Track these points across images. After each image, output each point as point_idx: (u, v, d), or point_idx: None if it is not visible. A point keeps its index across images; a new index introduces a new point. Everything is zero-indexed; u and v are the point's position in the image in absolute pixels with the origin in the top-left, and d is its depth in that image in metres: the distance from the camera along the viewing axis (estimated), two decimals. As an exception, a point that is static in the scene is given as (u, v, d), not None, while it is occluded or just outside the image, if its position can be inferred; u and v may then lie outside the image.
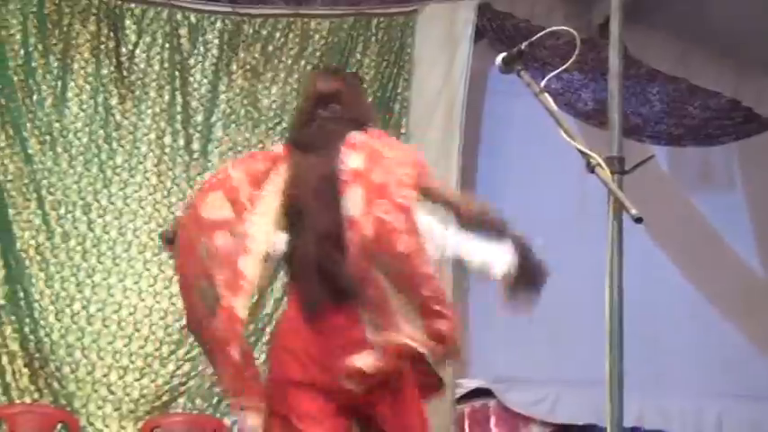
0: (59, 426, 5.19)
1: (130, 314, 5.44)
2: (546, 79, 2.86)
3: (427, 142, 5.89)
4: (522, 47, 2.83)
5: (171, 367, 5.42)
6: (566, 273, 6.04)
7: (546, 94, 2.88)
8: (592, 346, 5.79)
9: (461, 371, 5.85)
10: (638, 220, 2.51)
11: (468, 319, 6.01)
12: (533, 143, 6.29)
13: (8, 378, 5.22)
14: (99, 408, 5.28)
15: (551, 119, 3.03)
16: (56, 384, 5.26)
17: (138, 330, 5.43)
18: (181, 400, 5.40)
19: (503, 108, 6.44)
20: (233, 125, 5.79)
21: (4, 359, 5.24)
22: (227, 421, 5.38)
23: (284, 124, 5.80)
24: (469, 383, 6.00)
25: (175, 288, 5.41)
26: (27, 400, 5.22)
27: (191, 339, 5.40)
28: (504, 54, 2.87)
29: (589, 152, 2.83)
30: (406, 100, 5.92)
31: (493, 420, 6.08)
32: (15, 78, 5.57)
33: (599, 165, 2.82)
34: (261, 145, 5.77)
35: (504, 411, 6.09)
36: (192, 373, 5.44)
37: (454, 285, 5.66)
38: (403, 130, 5.86)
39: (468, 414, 6.08)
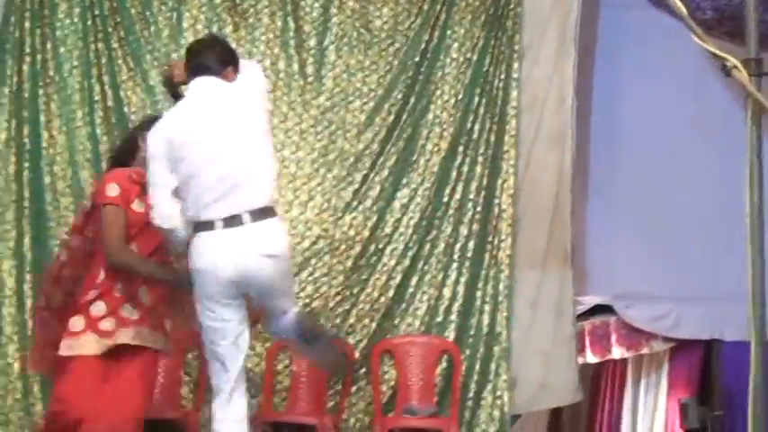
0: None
1: None
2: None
3: (541, 59, 5.73)
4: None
5: (295, 289, 5.41)
6: (687, 188, 5.94)
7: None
8: (713, 261, 5.69)
9: (581, 288, 5.74)
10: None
11: (587, 237, 5.87)
12: (648, 56, 6.06)
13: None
14: None
15: (680, 24, 2.85)
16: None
17: None
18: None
19: (617, 21, 6.16)
20: (345, 48, 5.68)
21: None
22: (350, 341, 5.40)
23: (397, 45, 5.72)
24: (590, 300, 5.88)
25: (296, 211, 5.49)
26: None
27: (312, 261, 5.44)
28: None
29: (725, 55, 2.62)
30: (518, 16, 5.72)
31: (614, 337, 5.97)
32: (133, 11, 5.57)
33: (736, 67, 2.63)
34: (374, 66, 5.68)
35: (624, 327, 5.97)
36: (316, 295, 5.45)
37: (573, 205, 5.56)
38: (516, 47, 5.67)
39: (588, 331, 5.99)
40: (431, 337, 5.44)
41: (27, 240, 5.29)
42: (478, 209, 5.58)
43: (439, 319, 5.48)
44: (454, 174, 5.61)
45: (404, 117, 5.65)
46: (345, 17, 5.68)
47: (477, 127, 5.65)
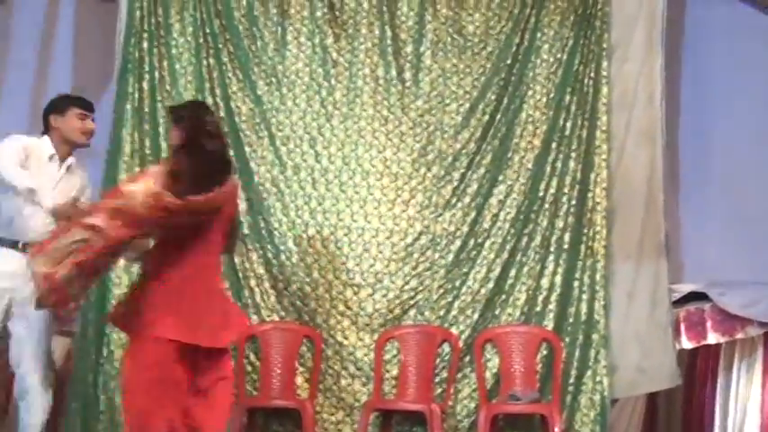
0: (304, 340, 5.46)
1: (359, 236, 5.59)
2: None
3: (630, 56, 5.75)
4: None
5: (399, 282, 5.56)
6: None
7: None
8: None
9: (676, 276, 5.75)
10: None
11: (681, 227, 5.88)
12: (736, 49, 6.02)
13: (257, 299, 5.52)
14: (338, 322, 5.49)
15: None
16: (298, 303, 5.51)
17: (366, 251, 5.58)
18: (411, 313, 5.54)
19: (703, 17, 6.14)
20: (440, 53, 5.77)
21: (252, 282, 5.53)
22: (454, 331, 5.52)
23: (489, 48, 5.79)
24: (684, 288, 5.87)
25: (398, 209, 5.63)
26: (275, 318, 5.50)
27: (415, 256, 5.57)
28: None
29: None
30: (606, 15, 5.75)
31: (709, 323, 5.94)
32: (241, 28, 5.75)
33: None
34: (468, 69, 5.76)
35: (719, 314, 5.93)
36: (420, 288, 5.57)
37: (666, 196, 5.58)
38: (605, 46, 5.71)
39: (683, 318, 5.95)
40: (531, 327, 5.51)
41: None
42: (573, 202, 5.61)
43: (538, 308, 5.54)
44: (548, 169, 5.66)
45: (498, 117, 5.72)
46: (439, 24, 5.77)
47: (569, 124, 5.69)
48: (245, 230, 5.53)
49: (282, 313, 5.51)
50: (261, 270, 5.53)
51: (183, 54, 5.74)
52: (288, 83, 5.72)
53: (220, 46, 5.75)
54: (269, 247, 5.55)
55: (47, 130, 4.48)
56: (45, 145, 4.41)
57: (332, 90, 5.73)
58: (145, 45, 5.70)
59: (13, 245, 4.29)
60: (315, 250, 5.55)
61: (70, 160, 4.48)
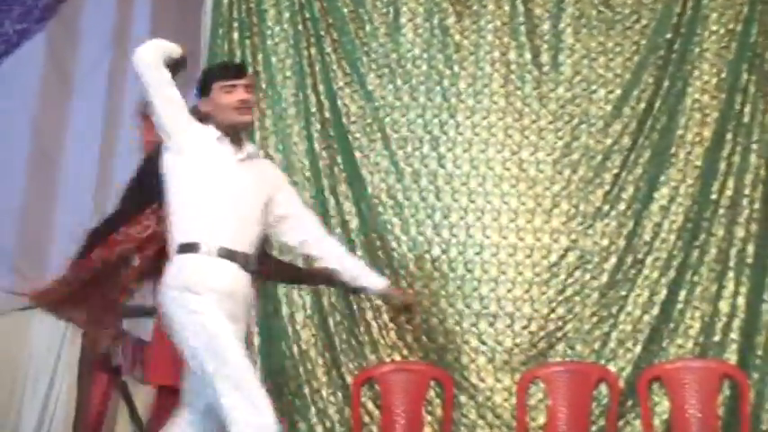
0: (432, 383, 4.58)
1: (493, 255, 4.70)
2: None
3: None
4: None
5: (544, 310, 4.64)
6: None
7: None
8: None
9: None
10: None
11: None
12: None
13: (375, 335, 4.67)
14: (471, 360, 4.62)
15: None
16: (424, 338, 4.65)
17: (503, 273, 4.68)
18: (559, 347, 4.62)
19: None
20: (584, 30, 4.85)
21: (369, 315, 4.69)
22: (612, 368, 4.55)
23: (643, 21, 4.84)
24: None
25: (539, 221, 4.72)
26: (396, 357, 4.65)
27: (562, 277, 4.65)
28: None
29: None
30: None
31: None
32: (345, 10, 4.92)
33: None
34: (618, 48, 4.82)
35: None
36: (569, 316, 4.63)
37: None
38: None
39: None
40: (708, 361, 4.53)
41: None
42: (756, 206, 4.63)
43: (716, 338, 4.55)
44: (722, 166, 4.68)
45: (657, 104, 4.77)
46: (582, -6, 4.83)
47: (747, 109, 4.70)
48: (359, 252, 4.69)
49: (405, 351, 4.66)
50: (377, 300, 4.62)
51: (280, 45, 4.96)
52: (403, 73, 4.88)
53: (322, 33, 4.93)
54: (386, 271, 4.66)
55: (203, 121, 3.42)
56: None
57: (455, 79, 4.86)
58: (235, 36, 4.95)
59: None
60: (441, 274, 4.69)
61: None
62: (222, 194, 3.19)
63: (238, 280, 3.17)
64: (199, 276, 3.10)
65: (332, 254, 3.49)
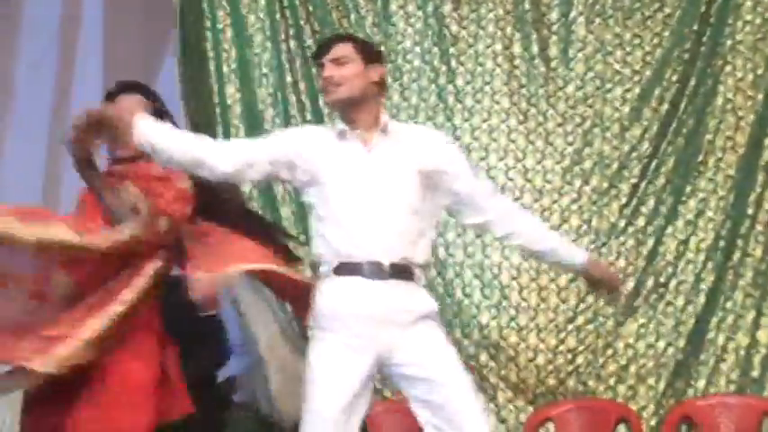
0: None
1: (494, 276, 4.16)
2: None
3: None
4: None
5: (551, 341, 4.08)
6: None
7: None
8: None
9: None
10: None
11: None
12: None
13: None
14: None
15: None
16: None
17: (505, 298, 4.13)
18: (570, 383, 4.06)
19: None
20: (598, 19, 4.33)
21: None
22: (633, 407, 3.98)
23: (667, 9, 4.33)
24: None
25: None
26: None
27: (572, 303, 4.11)
28: None
29: None
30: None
31: None
32: (328, -2, 4.43)
33: None
34: (637, 40, 4.32)
35: None
36: (580, 348, 4.07)
37: None
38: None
39: None
40: (746, 397, 4.01)
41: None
42: None
43: (754, 373, 4.02)
44: (760, 176, 4.16)
45: (682, 105, 4.25)
46: (596, -21, 4.34)
47: None
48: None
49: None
50: None
51: (255, 37, 4.41)
52: (393, 69, 4.32)
53: (302, 23, 4.39)
54: None
55: None
56: None
57: (452, 76, 4.34)
58: (206, 25, 4.39)
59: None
60: (436, 297, 4.01)
61: None
62: (347, 200, 2.77)
63: (365, 296, 2.72)
64: (316, 307, 2.78)
65: (529, 233, 2.97)
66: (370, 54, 2.90)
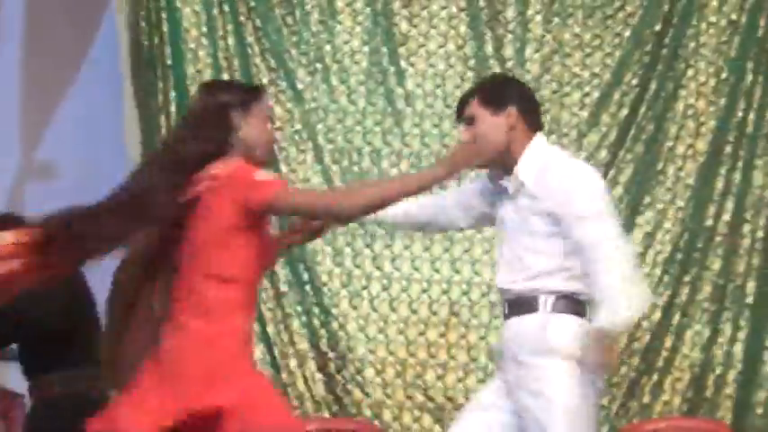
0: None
1: (444, 292, 4.05)
2: None
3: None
4: None
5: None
6: None
7: None
8: None
9: None
10: None
11: None
12: None
13: (299, 386, 4.03)
14: (415, 420, 4.00)
15: None
16: (358, 392, 4.04)
17: (455, 314, 4.04)
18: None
19: None
20: (556, 18, 4.20)
21: (293, 362, 4.04)
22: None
23: (628, 9, 4.22)
24: None
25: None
26: (325, 414, 4.03)
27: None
28: None
29: None
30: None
31: None
32: (271, -8, 4.26)
33: None
34: (597, 41, 4.19)
35: None
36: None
37: None
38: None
39: None
40: (700, 421, 3.94)
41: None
42: (759, 234, 4.05)
43: (708, 394, 3.97)
44: (720, 185, 4.08)
45: (642, 110, 4.17)
46: (554, -24, 4.22)
47: (751, 117, 4.14)
48: (282, 287, 4.07)
49: (335, 407, 4.05)
50: (303, 345, 4.07)
51: (191, 31, 4.23)
52: (339, 70, 4.23)
53: (242, 19, 4.24)
54: (315, 310, 4.08)
55: None
56: None
57: (402, 78, 4.22)
58: (143, 25, 4.21)
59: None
60: (381, 315, 4.07)
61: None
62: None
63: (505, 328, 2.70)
64: None
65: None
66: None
